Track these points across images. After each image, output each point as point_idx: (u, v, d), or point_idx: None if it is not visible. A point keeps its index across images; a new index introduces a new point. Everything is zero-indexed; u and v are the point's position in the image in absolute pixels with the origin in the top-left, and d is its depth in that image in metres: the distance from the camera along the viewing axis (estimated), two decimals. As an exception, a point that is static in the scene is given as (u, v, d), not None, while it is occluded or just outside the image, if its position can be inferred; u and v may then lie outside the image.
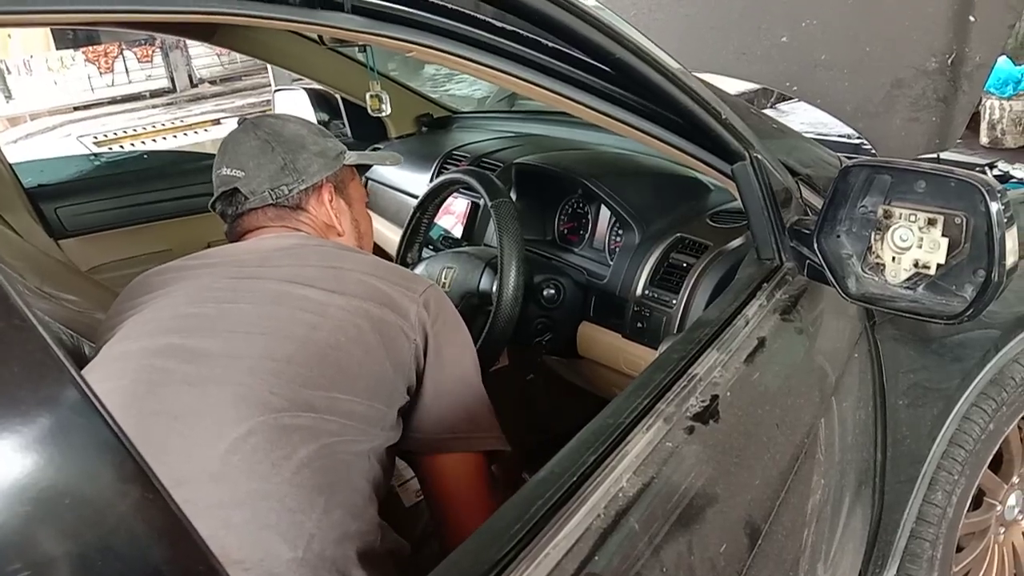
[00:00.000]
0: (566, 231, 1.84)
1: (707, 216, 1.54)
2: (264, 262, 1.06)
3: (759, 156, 1.19)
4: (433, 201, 1.71)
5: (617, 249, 1.68)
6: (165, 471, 0.42)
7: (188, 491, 0.80)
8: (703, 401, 0.90)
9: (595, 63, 1.18)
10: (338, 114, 2.84)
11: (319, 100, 2.83)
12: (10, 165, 2.15)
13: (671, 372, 0.90)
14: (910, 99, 1.60)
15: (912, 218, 1.04)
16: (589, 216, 1.76)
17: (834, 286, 1.12)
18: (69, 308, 1.47)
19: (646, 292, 1.48)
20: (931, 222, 1.03)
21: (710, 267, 1.41)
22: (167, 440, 0.86)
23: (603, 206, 1.72)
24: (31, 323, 0.41)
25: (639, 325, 1.48)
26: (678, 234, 1.49)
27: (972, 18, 1.62)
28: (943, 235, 1.02)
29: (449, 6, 1.06)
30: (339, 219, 1.23)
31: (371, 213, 2.57)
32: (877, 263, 1.09)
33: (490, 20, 1.09)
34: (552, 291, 1.53)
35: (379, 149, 2.67)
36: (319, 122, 2.81)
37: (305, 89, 2.86)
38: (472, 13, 1.08)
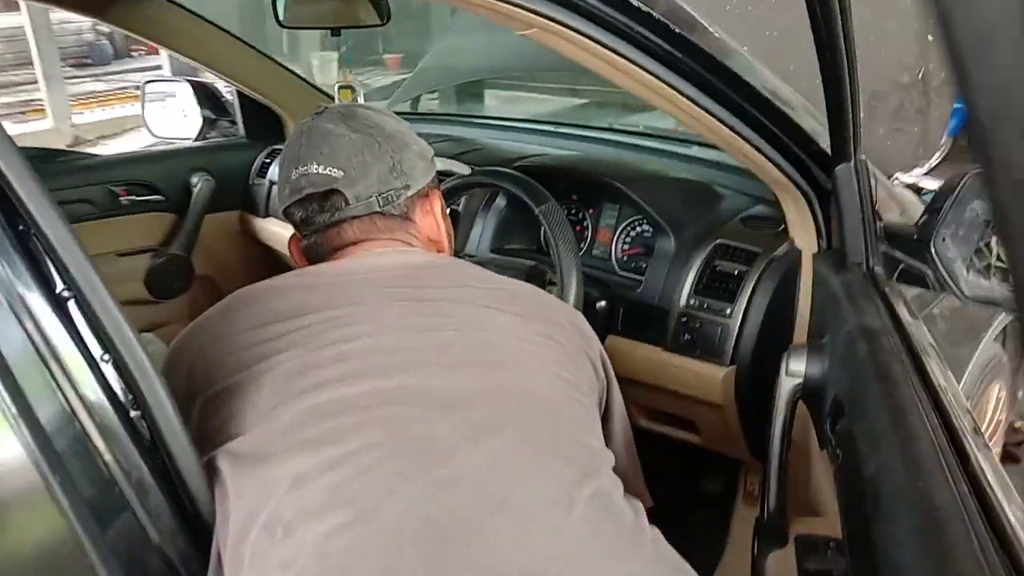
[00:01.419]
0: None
1: (738, 222, 1.50)
2: (419, 281, 0.88)
3: (863, 158, 1.16)
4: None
5: (628, 257, 1.60)
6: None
7: None
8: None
9: (701, 59, 1.10)
10: (225, 111, 2.52)
11: (204, 95, 2.48)
12: None
13: (920, 390, 0.82)
14: (889, 111, 1.67)
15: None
16: (587, 223, 1.67)
17: (953, 289, 1.11)
18: None
19: (691, 302, 1.41)
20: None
21: (765, 274, 1.36)
22: (484, 521, 0.67)
23: (606, 211, 1.64)
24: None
25: (686, 337, 1.40)
26: (719, 240, 1.44)
27: (930, 37, 1.73)
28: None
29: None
30: (441, 232, 1.06)
31: (276, 220, 2.35)
32: (999, 266, 1.10)
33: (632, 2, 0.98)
34: (604, 304, 1.41)
35: (279, 149, 2.40)
36: (204, 120, 2.49)
37: (188, 80, 2.50)
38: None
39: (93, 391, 0.57)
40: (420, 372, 0.76)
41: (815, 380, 1.07)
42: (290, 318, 0.81)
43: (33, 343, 0.55)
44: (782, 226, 1.44)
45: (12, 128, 7.70)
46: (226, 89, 2.56)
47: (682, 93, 1.11)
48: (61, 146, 7.55)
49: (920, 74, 1.66)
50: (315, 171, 0.94)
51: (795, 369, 1.09)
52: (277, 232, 2.33)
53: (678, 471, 1.87)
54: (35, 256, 0.56)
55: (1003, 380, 2.05)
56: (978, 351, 1.71)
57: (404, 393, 0.73)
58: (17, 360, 0.54)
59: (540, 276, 1.38)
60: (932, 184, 2.44)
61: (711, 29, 1.12)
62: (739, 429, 1.45)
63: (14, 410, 0.53)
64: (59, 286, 0.57)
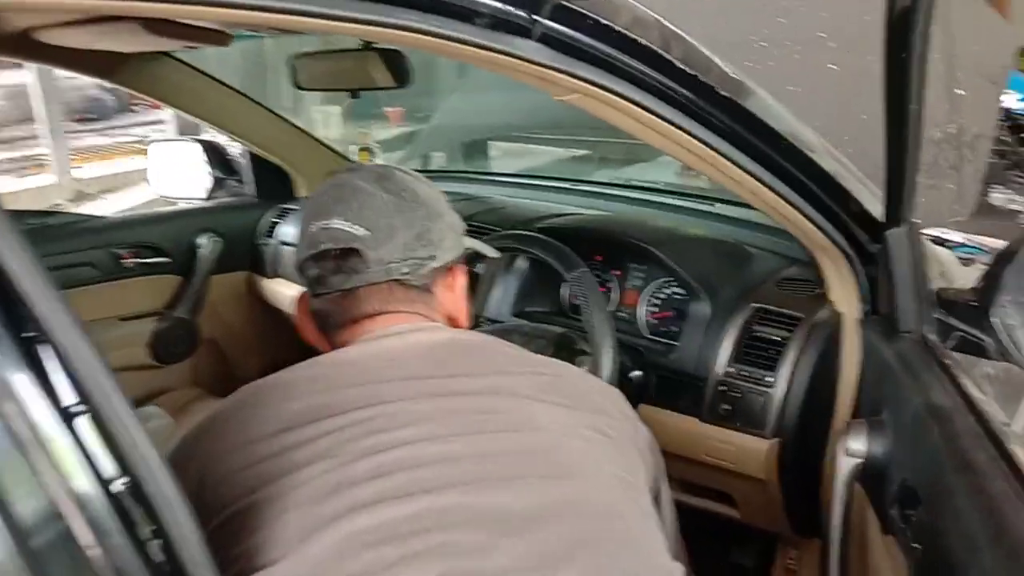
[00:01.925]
0: (576, 301, 1.66)
1: (773, 284, 1.43)
2: (451, 368, 0.80)
3: (917, 221, 1.11)
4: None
5: (658, 320, 1.54)
6: None
7: None
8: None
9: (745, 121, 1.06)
10: (233, 170, 2.48)
11: (213, 154, 2.44)
12: None
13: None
14: (923, 167, 1.62)
15: (1118, 287, 0.99)
16: (613, 285, 1.60)
17: (1018, 360, 1.04)
18: None
19: (730, 370, 1.34)
20: None
21: (809, 341, 1.30)
22: None
23: (632, 273, 1.58)
24: None
25: (725, 407, 1.33)
26: (755, 304, 1.37)
27: (959, 92, 1.70)
28: None
29: (641, 42, 0.89)
30: (461, 310, 0.98)
31: (285, 281, 2.29)
32: (1066, 335, 1.03)
33: (677, 63, 0.93)
34: (640, 373, 1.34)
35: (290, 209, 2.35)
36: (214, 179, 2.45)
37: (197, 140, 2.46)
38: (662, 53, 0.92)
39: (104, 518, 0.50)
40: (471, 488, 0.67)
41: (877, 461, 1.00)
42: (311, 422, 0.72)
43: (32, 465, 0.48)
44: (819, 289, 1.38)
45: (15, 183, 7.68)
46: (231, 146, 2.53)
47: (723, 155, 1.06)
48: (62, 201, 7.55)
49: (953, 130, 1.61)
50: (338, 226, 0.86)
51: (855, 448, 1.02)
52: (284, 293, 2.27)
53: (706, 542, 1.78)
54: (41, 365, 0.49)
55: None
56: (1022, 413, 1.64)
57: (456, 515, 0.65)
58: (12, 482, 0.47)
59: (570, 345, 1.31)
60: (957, 237, 2.40)
61: (756, 89, 1.07)
62: (781, 504, 1.36)
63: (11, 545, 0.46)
64: (70, 399, 0.50)
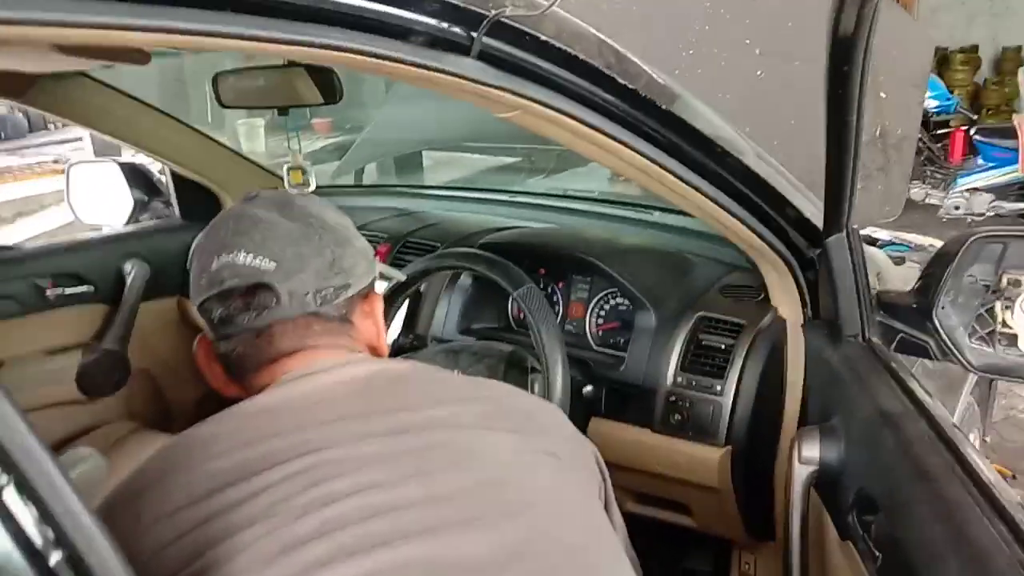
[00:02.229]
0: (522, 316, 1.64)
1: (716, 292, 1.44)
2: (389, 402, 0.75)
3: (856, 227, 1.12)
4: (404, 291, 1.43)
5: (604, 332, 1.53)
6: None
7: None
8: None
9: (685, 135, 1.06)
10: (157, 191, 2.38)
11: (134, 176, 2.35)
12: None
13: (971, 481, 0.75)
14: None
15: (1051, 285, 1.02)
16: (558, 298, 1.59)
17: (958, 359, 1.07)
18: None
19: (679, 380, 1.33)
20: (1073, 288, 1.01)
21: (754, 347, 1.31)
22: None
23: (576, 285, 1.57)
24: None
25: (676, 417, 1.32)
26: (700, 313, 1.38)
27: (882, 94, 1.74)
28: (1089, 301, 1.00)
29: (581, 57, 0.88)
30: (381, 338, 0.93)
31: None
32: (1004, 333, 1.06)
33: (618, 79, 0.92)
34: (591, 388, 1.33)
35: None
36: (136, 202, 2.36)
37: (116, 161, 2.36)
38: (601, 68, 0.90)
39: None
40: (428, 537, 0.63)
41: (831, 468, 1.01)
42: (242, 479, 0.66)
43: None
44: (762, 295, 1.40)
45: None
46: (155, 166, 2.44)
47: (663, 167, 1.06)
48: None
49: (877, 131, 1.65)
50: (242, 261, 0.80)
51: (808, 456, 1.02)
52: (220, 318, 2.19)
53: (661, 549, 1.77)
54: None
55: (976, 427, 2.04)
56: (959, 407, 1.68)
57: (416, 570, 0.60)
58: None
59: (521, 362, 1.29)
60: (885, 235, 2.47)
61: (692, 99, 1.07)
62: (736, 510, 1.37)
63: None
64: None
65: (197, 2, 0.64)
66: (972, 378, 1.77)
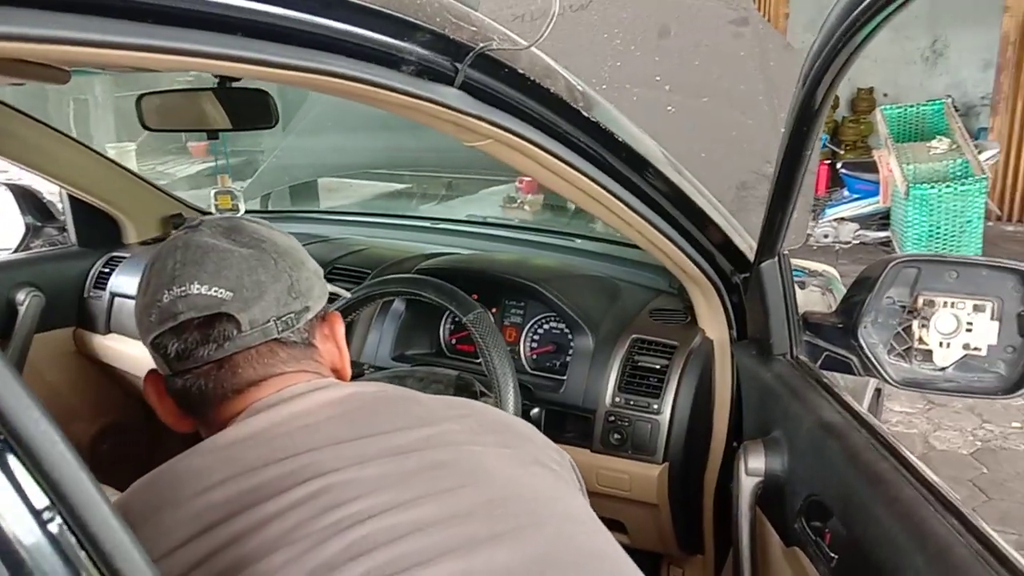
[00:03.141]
0: (455, 341, 1.65)
1: (647, 315, 1.50)
2: (375, 425, 0.74)
3: (786, 252, 1.21)
4: (344, 318, 1.40)
5: (539, 356, 1.56)
6: None
7: None
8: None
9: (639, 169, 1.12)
10: (51, 216, 2.25)
11: (25, 200, 2.20)
12: None
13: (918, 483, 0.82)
14: (758, 199, 1.77)
15: (960, 305, 1.13)
16: (490, 323, 1.61)
17: (879, 374, 1.16)
18: None
19: (617, 400, 1.38)
20: (977, 308, 1.12)
21: (687, 366, 1.37)
22: None
23: (509, 310, 1.60)
24: None
25: (616, 437, 1.37)
26: (634, 335, 1.43)
27: (783, 129, 1.86)
28: (992, 319, 1.12)
29: (552, 90, 0.92)
30: (344, 359, 0.92)
31: (121, 336, 2.10)
32: (920, 349, 1.16)
33: (582, 111, 0.97)
34: (537, 410, 1.35)
35: (121, 257, 2.17)
36: (28, 227, 2.22)
37: (6, 185, 2.20)
38: (568, 101, 0.95)
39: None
40: (463, 553, 0.62)
41: (777, 477, 1.07)
42: (246, 509, 0.64)
43: None
44: (688, 317, 1.47)
45: None
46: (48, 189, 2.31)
47: (618, 197, 1.11)
48: None
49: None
50: (196, 292, 0.77)
51: (754, 467, 1.09)
52: (121, 351, 2.08)
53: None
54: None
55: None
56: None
57: None
58: None
59: (469, 386, 1.31)
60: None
61: (643, 136, 1.13)
62: (670, 526, 1.42)
63: None
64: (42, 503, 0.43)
65: (190, 23, 0.64)
66: (869, 392, 1.91)
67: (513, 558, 0.63)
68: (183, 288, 0.78)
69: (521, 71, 0.88)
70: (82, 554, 0.44)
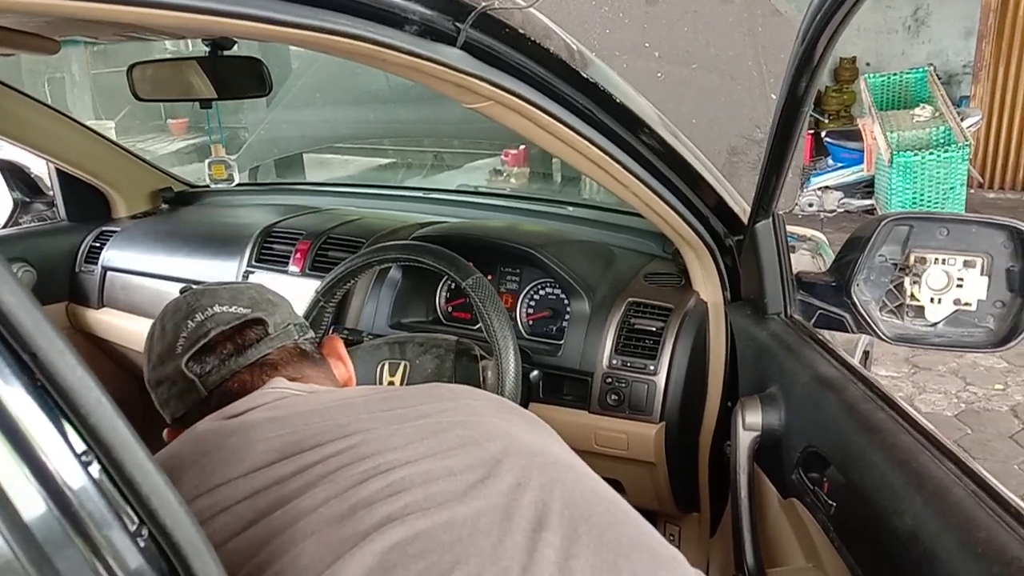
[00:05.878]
0: (451, 309, 1.67)
1: (641, 279, 1.52)
2: (401, 403, 0.76)
3: (781, 213, 1.22)
4: (343, 286, 1.41)
5: (535, 321, 1.58)
6: None
7: None
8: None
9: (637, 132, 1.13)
10: (39, 191, 2.23)
11: (12, 175, 2.18)
12: None
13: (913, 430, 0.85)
14: (748, 164, 1.79)
15: (951, 262, 1.15)
16: (485, 290, 1.62)
17: (873, 331, 1.18)
18: None
19: (614, 362, 1.40)
20: (968, 264, 1.14)
21: (683, 328, 1.39)
22: None
23: (505, 276, 1.61)
24: None
25: (614, 398, 1.39)
26: (630, 299, 1.45)
27: (772, 96, 1.88)
28: (981, 274, 1.14)
29: (551, 51, 0.92)
30: (353, 378, 1.00)
31: (115, 311, 2.10)
32: (912, 305, 1.18)
33: (581, 72, 0.97)
34: (537, 373, 1.37)
35: (112, 231, 2.16)
36: (16, 202, 2.21)
37: (-9, 161, 2.19)
38: (568, 62, 0.96)
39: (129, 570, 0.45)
40: (495, 494, 0.64)
41: (773, 432, 1.10)
42: (285, 458, 0.67)
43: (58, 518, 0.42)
44: (683, 280, 1.49)
45: None
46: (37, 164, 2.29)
47: (616, 160, 1.12)
48: None
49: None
50: (219, 311, 0.86)
51: (752, 422, 1.11)
52: (115, 324, 2.08)
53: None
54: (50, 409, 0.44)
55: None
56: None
57: (495, 515, 0.62)
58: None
59: (469, 351, 1.32)
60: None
61: (642, 101, 1.14)
62: (667, 485, 1.45)
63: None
64: (80, 447, 0.45)
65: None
66: (857, 355, 1.95)
67: (539, 498, 0.65)
68: (206, 313, 0.86)
69: (521, 31, 0.88)
70: (119, 496, 0.46)
